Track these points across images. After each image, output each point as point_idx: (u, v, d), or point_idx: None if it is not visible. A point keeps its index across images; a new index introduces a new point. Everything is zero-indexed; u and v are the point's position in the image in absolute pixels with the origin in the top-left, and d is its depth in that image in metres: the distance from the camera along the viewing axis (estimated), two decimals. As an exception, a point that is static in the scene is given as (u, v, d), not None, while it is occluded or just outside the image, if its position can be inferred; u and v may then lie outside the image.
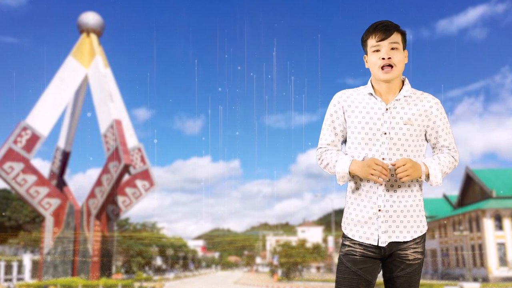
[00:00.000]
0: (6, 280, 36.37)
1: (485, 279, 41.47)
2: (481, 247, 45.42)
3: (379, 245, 2.39)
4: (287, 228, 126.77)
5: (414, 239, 2.43)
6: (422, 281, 34.25)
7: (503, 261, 43.98)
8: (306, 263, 54.32)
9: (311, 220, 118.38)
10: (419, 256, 2.43)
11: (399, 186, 2.40)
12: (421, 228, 2.45)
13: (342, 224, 2.54)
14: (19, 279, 37.80)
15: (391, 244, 2.40)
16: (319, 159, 2.56)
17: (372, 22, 2.46)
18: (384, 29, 2.39)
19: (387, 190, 2.39)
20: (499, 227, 44.88)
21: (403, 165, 2.32)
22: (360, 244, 2.43)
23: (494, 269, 43.44)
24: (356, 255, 2.42)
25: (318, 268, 73.36)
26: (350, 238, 2.47)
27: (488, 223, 44.68)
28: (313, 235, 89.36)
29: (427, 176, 2.42)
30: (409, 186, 2.42)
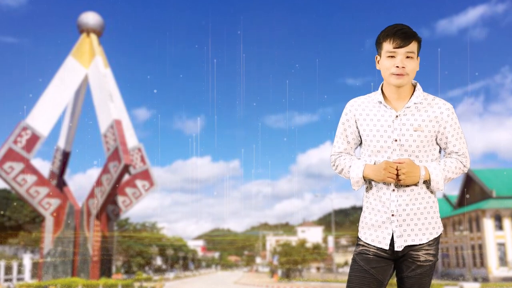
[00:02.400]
0: (6, 280, 36.36)
1: (485, 279, 41.47)
2: (481, 247, 45.42)
3: (395, 249, 2.41)
4: (287, 228, 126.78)
5: (428, 241, 2.44)
6: (422, 281, 34.13)
7: (503, 261, 43.97)
8: (306, 263, 54.32)
9: (311, 220, 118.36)
10: (431, 258, 2.44)
11: (411, 190, 2.41)
12: (436, 229, 2.47)
13: (359, 227, 2.59)
14: (19, 279, 37.79)
15: (405, 247, 2.43)
16: (333, 165, 2.61)
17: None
18: (403, 36, 2.38)
19: (400, 196, 2.41)
20: (499, 227, 44.88)
21: (400, 169, 2.36)
22: (376, 246, 2.47)
23: (494, 269, 43.44)
24: (370, 254, 2.46)
25: (318, 268, 73.32)
26: (363, 241, 2.52)
27: (488, 223, 44.68)
28: (313, 235, 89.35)
29: (428, 181, 2.43)
30: (421, 188, 2.43)
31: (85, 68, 33.88)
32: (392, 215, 2.41)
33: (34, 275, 37.29)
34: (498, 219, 44.98)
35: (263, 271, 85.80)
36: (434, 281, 34.62)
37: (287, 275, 51.02)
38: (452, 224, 51.58)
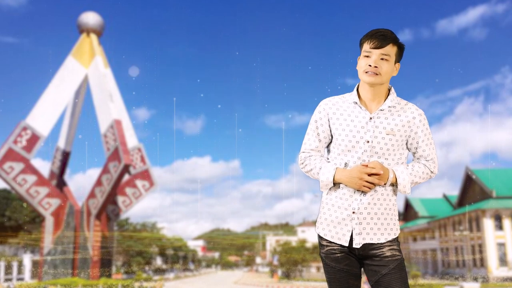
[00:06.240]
0: (6, 280, 36.37)
1: (485, 279, 41.47)
2: (481, 247, 45.43)
3: (353, 246, 2.45)
4: (287, 228, 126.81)
5: (386, 241, 2.47)
6: (422, 281, 34.21)
7: (503, 261, 43.98)
8: (306, 263, 54.30)
9: (311, 220, 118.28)
10: (397, 253, 2.47)
11: (375, 191, 2.45)
12: (395, 231, 2.50)
13: (316, 223, 2.61)
14: (19, 279, 37.82)
15: (365, 245, 2.46)
16: (302, 163, 2.62)
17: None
18: (380, 38, 2.45)
19: (364, 194, 2.44)
20: (499, 227, 44.88)
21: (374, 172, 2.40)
22: (336, 243, 2.50)
23: (494, 269, 43.45)
24: (337, 253, 2.50)
25: (318, 268, 73.33)
26: (324, 238, 2.54)
27: (488, 223, 44.68)
28: (313, 235, 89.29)
29: (395, 184, 2.49)
30: (385, 189, 2.47)
31: (85, 68, 33.88)
32: (353, 212, 2.44)
33: (34, 275, 37.32)
34: (498, 219, 44.98)
35: (263, 271, 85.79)
36: (434, 281, 34.64)
37: (287, 275, 51.03)
38: (452, 224, 51.56)
